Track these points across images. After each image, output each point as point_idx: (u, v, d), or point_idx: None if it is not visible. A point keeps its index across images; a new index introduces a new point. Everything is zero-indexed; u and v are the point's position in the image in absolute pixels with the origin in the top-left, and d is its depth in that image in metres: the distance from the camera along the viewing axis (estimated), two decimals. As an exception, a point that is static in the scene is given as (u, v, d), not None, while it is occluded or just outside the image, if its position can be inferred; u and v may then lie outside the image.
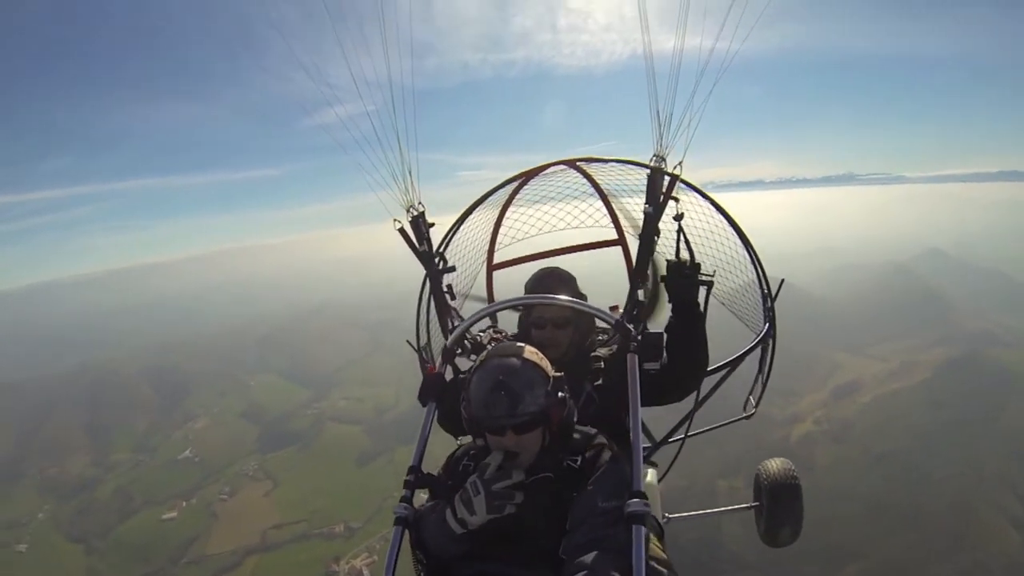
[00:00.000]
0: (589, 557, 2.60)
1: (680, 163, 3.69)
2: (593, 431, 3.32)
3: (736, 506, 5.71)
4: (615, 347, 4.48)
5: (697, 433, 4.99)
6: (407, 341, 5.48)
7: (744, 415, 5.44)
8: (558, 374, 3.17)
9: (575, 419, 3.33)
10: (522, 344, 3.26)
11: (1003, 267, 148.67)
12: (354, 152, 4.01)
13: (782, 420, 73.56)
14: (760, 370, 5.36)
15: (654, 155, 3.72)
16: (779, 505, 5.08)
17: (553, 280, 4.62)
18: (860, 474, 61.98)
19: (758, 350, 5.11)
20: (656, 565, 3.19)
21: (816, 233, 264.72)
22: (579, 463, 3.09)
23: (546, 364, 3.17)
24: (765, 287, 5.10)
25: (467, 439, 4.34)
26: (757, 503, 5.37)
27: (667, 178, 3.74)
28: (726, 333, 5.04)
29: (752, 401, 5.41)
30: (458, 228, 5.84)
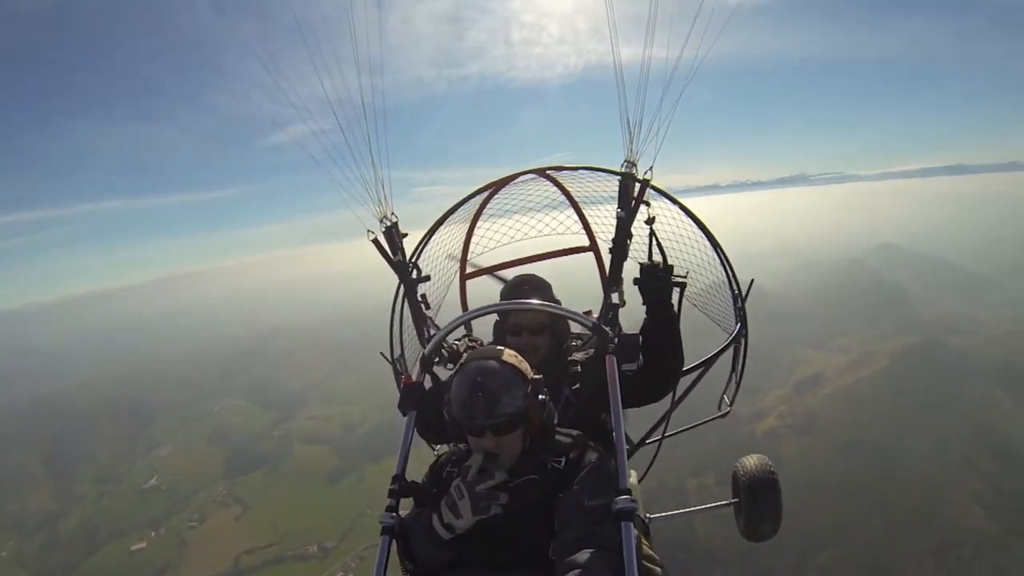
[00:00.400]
0: (579, 556, 2.61)
1: (650, 168, 3.73)
2: (576, 433, 3.35)
3: (715, 503, 5.72)
4: (591, 351, 4.56)
5: (674, 434, 5.02)
6: (381, 353, 5.73)
7: (719, 414, 5.50)
8: (537, 376, 3.21)
9: (556, 421, 3.37)
10: (501, 347, 3.31)
11: (953, 257, 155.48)
12: (327, 165, 4.01)
13: (747, 417, 74.20)
14: (733, 369, 5.42)
15: (625, 161, 3.75)
16: (758, 500, 5.07)
17: (528, 287, 4.69)
18: (827, 463, 63.08)
19: (730, 349, 5.16)
20: (647, 563, 3.32)
21: (773, 234, 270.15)
22: (563, 464, 3.10)
23: (525, 366, 3.21)
24: (735, 287, 5.18)
25: (444, 448, 4.76)
26: (736, 499, 5.36)
27: (638, 184, 3.79)
28: (696, 333, 4.95)
29: (726, 400, 5.48)
30: (429, 239, 5.82)
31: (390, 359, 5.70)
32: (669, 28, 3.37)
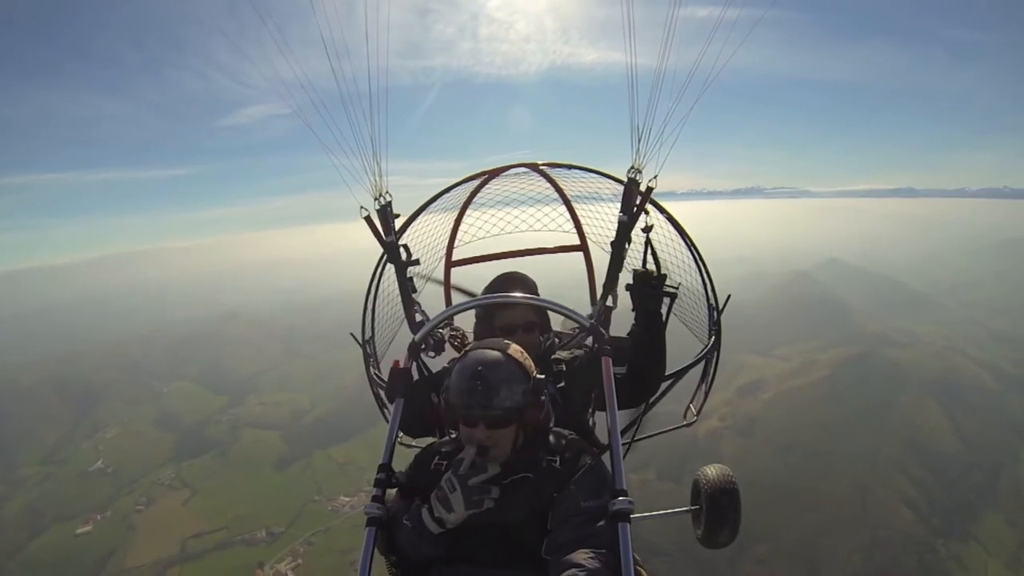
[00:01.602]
0: (575, 555, 2.65)
1: (655, 177, 3.79)
2: (571, 433, 3.35)
3: (676, 509, 5.49)
4: (576, 350, 4.55)
5: (642, 438, 5.11)
6: (351, 334, 5.57)
7: (685, 423, 5.48)
8: (540, 376, 3.18)
9: (552, 423, 3.37)
10: (508, 341, 3.29)
11: (897, 275, 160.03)
12: (325, 141, 3.93)
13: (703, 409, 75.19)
14: (703, 379, 5.42)
15: (632, 167, 3.81)
16: (719, 509, 4.92)
17: (515, 284, 4.69)
18: (765, 464, 64.55)
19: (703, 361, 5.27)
20: (636, 566, 3.30)
21: (726, 243, 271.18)
22: (558, 463, 3.09)
23: (529, 364, 3.17)
24: (713, 300, 5.23)
25: (416, 440, 4.72)
26: (696, 507, 5.21)
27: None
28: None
29: (693, 409, 5.43)
30: (412, 221, 5.71)
31: (360, 341, 5.51)
32: (676, 39, 3.43)
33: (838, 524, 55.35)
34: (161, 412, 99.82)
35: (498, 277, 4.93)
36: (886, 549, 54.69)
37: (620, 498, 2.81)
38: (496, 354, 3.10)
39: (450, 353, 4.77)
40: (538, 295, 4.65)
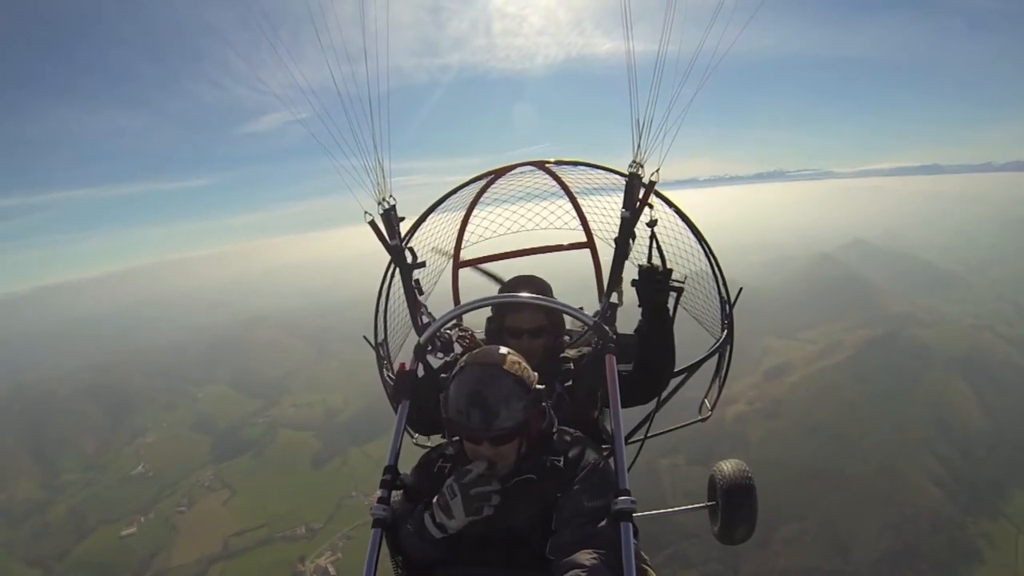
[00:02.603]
0: (578, 556, 2.64)
1: (657, 171, 3.78)
2: (575, 432, 3.36)
3: (693, 505, 5.52)
4: (584, 348, 4.64)
5: (656, 435, 4.95)
6: (364, 337, 5.67)
7: (700, 418, 5.37)
8: (540, 386, 3.15)
9: (555, 427, 3.32)
10: (505, 351, 3.20)
11: (923, 253, 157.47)
12: (328, 146, 3.92)
13: (719, 402, 75.04)
14: (717, 374, 5.36)
15: (633, 161, 3.81)
16: (735, 505, 4.94)
17: (530, 287, 4.66)
18: (792, 445, 64.30)
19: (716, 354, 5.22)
20: (642, 564, 3.38)
21: (750, 228, 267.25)
22: (562, 463, 3.10)
23: (528, 374, 3.13)
24: (725, 294, 5.18)
25: (423, 439, 4.89)
26: (713, 503, 5.21)
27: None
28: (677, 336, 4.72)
29: (707, 404, 5.37)
30: (420, 224, 5.70)
31: (373, 344, 5.58)
32: (683, 24, 3.41)
33: (866, 504, 55.19)
34: (197, 416, 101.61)
35: (511, 279, 4.99)
36: (915, 527, 54.48)
37: (622, 497, 2.82)
38: (493, 370, 3.05)
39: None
40: (551, 295, 4.71)
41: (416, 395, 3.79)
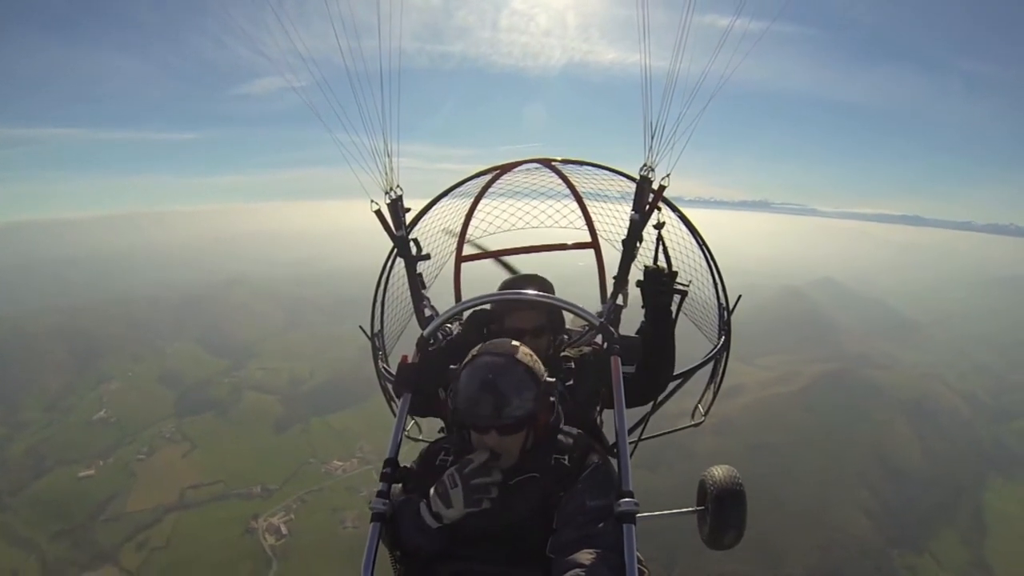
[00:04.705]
0: (579, 555, 2.63)
1: (667, 176, 3.78)
2: (578, 432, 3.30)
3: (682, 510, 5.46)
4: (584, 347, 4.59)
5: (649, 438, 4.99)
6: (360, 327, 5.49)
7: (693, 423, 5.48)
8: (550, 379, 3.14)
9: (562, 423, 3.33)
10: (517, 343, 3.19)
11: (890, 300, 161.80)
12: (334, 132, 3.81)
13: (672, 414, 76.52)
14: (712, 380, 5.42)
15: (644, 165, 3.79)
16: (725, 510, 4.92)
17: (532, 286, 4.53)
18: (735, 462, 58.07)
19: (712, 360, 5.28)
20: (640, 566, 3.19)
21: (726, 253, 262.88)
22: (567, 460, 3.06)
23: (539, 367, 3.13)
24: (724, 301, 5.23)
25: (416, 433, 5.05)
26: (702, 508, 5.17)
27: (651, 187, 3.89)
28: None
29: (700, 409, 5.45)
30: (421, 217, 5.62)
31: (369, 334, 5.46)
32: (693, 41, 3.39)
33: (799, 524, 57.12)
34: (164, 370, 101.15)
35: (512, 278, 4.97)
36: (843, 552, 56.61)
37: (626, 499, 2.80)
38: (506, 360, 3.05)
39: None
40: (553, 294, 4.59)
41: (420, 386, 3.79)
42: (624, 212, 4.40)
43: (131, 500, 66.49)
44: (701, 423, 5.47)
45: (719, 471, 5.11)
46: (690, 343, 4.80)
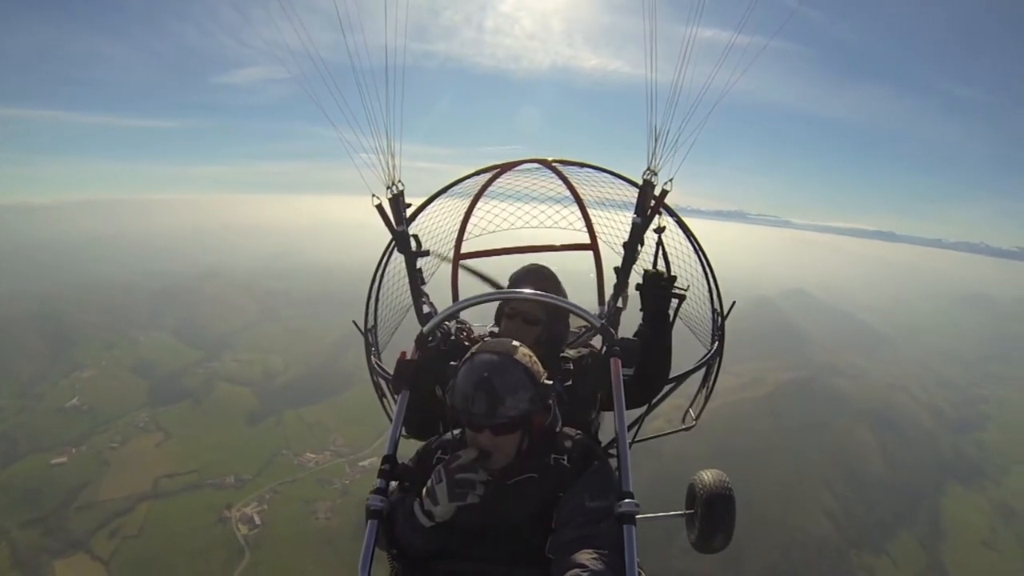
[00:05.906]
0: (579, 555, 2.63)
1: (670, 180, 3.72)
2: (578, 433, 3.31)
3: (671, 512, 5.43)
4: (584, 349, 4.57)
5: (642, 440, 4.78)
6: (353, 321, 5.43)
7: (684, 427, 5.40)
8: (548, 381, 3.11)
9: (558, 426, 3.29)
10: (517, 343, 3.17)
11: (860, 313, 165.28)
12: (338, 124, 3.70)
13: (656, 416, 76.65)
14: (704, 384, 5.37)
15: (647, 168, 3.72)
16: (714, 514, 4.88)
17: (537, 278, 4.64)
18: (701, 463, 60.49)
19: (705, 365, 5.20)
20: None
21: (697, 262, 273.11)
22: (567, 461, 3.07)
23: (537, 368, 3.10)
24: (718, 306, 5.18)
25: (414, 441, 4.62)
26: (691, 511, 5.15)
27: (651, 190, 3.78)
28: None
29: (692, 413, 5.39)
30: (419, 213, 5.49)
31: (362, 330, 5.35)
32: (692, 52, 3.34)
33: (761, 523, 57.98)
34: (137, 360, 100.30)
35: (522, 268, 4.94)
36: (803, 551, 58.41)
37: (626, 500, 2.82)
38: (504, 359, 3.02)
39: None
40: (560, 289, 4.69)
41: (418, 384, 3.79)
42: (619, 217, 4.71)
43: (104, 488, 66.24)
44: (693, 427, 5.36)
45: (709, 475, 5.09)
46: (678, 349, 4.48)
